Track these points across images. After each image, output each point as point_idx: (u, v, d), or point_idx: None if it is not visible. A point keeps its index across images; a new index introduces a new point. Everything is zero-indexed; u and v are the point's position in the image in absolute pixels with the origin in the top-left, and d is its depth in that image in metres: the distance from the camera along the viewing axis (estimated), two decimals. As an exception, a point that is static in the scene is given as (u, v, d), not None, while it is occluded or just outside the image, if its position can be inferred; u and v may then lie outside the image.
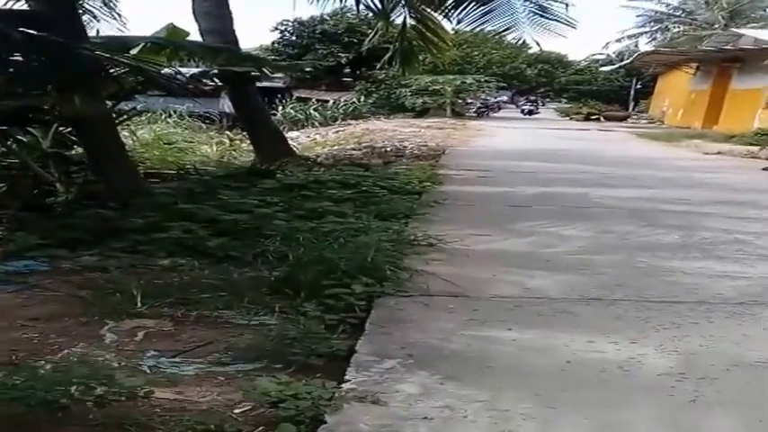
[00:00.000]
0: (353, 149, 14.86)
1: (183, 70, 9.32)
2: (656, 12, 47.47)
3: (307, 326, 3.49)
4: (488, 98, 39.11)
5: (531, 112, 40.03)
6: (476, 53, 44.70)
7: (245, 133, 13.30)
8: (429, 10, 12.19)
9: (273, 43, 38.67)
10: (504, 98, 47.84)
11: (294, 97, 29.85)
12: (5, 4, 8.21)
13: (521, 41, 12.22)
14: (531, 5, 11.30)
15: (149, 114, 14.09)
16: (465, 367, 3.09)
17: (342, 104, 29.80)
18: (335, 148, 15.81)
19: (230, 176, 8.87)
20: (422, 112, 31.13)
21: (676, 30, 45.80)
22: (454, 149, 15.72)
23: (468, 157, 13.82)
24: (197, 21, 10.88)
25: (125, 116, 8.28)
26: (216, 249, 5.07)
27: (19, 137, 7.04)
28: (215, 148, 13.83)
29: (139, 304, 3.88)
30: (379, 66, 23.81)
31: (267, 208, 6.50)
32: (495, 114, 37.66)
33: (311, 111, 27.61)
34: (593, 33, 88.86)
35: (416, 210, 7.07)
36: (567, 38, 28.60)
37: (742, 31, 29.82)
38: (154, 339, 3.48)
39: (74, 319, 3.74)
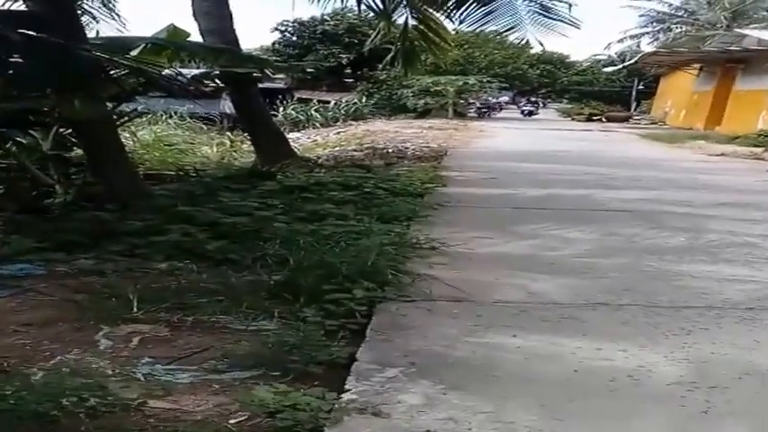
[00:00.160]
0: (355, 151, 14.79)
1: (184, 71, 9.27)
2: (659, 12, 47.36)
3: (306, 332, 3.40)
4: (489, 99, 38.98)
5: (530, 113, 39.90)
6: (477, 54, 44.61)
7: (245, 134, 13.24)
8: (431, 10, 12.13)
9: (274, 44, 38.68)
10: (506, 99, 47.76)
11: (295, 98, 29.79)
12: (3, 4, 8.15)
13: (523, 41, 12.18)
14: (534, 5, 11.25)
15: (150, 116, 14.00)
16: (469, 376, 3.00)
17: (343, 105, 29.76)
18: (337, 149, 15.74)
19: (230, 178, 8.80)
20: (423, 113, 31.06)
21: (678, 30, 45.69)
22: (456, 150, 15.65)
23: (471, 159, 13.75)
24: (197, 21, 10.83)
25: (126, 118, 8.21)
26: (215, 253, 5.00)
27: (18, 139, 6.98)
28: (215, 150, 13.76)
29: (135, 309, 3.81)
30: (380, 66, 23.76)
31: (267, 210, 6.43)
32: (496, 115, 37.54)
33: (312, 112, 27.58)
34: (594, 34, 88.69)
35: (419, 212, 7.00)
36: (570, 38, 28.65)
37: (746, 31, 29.70)
38: (149, 345, 3.40)
39: (68, 325, 3.67)
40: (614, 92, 48.15)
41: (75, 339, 3.46)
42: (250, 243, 5.23)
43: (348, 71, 37.55)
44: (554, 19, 11.22)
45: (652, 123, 34.77)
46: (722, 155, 16.49)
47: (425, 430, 2.52)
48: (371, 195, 7.68)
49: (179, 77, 8.02)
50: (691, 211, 7.69)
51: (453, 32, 14.76)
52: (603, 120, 36.51)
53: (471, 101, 35.78)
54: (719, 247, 5.84)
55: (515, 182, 10.00)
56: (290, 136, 16.30)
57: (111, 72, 6.94)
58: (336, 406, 2.66)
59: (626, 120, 37.14)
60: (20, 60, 6.24)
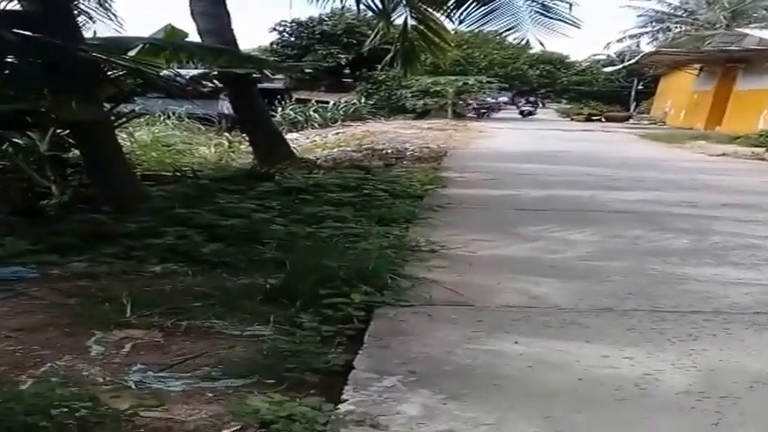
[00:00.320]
0: (354, 151, 14.71)
1: (182, 72, 9.20)
2: (658, 12, 47.32)
3: (302, 338, 3.33)
4: (487, 98, 38.75)
5: (529, 114, 39.70)
6: (477, 54, 44.53)
7: (243, 135, 13.16)
8: (431, 10, 12.05)
9: (272, 44, 38.57)
10: (505, 99, 47.58)
11: (294, 98, 29.65)
12: (-2, 4, 8.05)
13: (524, 41, 12.10)
14: (535, 5, 11.17)
15: (148, 116, 13.94)
16: (470, 385, 2.91)
17: (342, 106, 29.64)
18: (335, 150, 15.65)
19: (228, 179, 8.73)
20: (423, 114, 30.96)
21: (678, 30, 45.62)
22: (456, 151, 15.57)
23: (471, 159, 13.67)
24: (195, 21, 10.76)
25: (123, 119, 8.14)
26: (211, 256, 4.93)
27: (15, 140, 6.91)
28: (213, 150, 13.69)
29: (129, 313, 3.75)
30: (379, 67, 23.68)
31: (265, 212, 6.36)
32: (495, 115, 37.41)
33: (311, 112, 27.45)
34: (593, 33, 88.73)
35: (418, 214, 6.92)
36: (570, 37, 28.52)
37: (747, 31, 29.62)
38: (142, 352, 3.33)
39: (60, 330, 3.60)
40: (613, 92, 48.06)
41: (67, 345, 3.39)
42: (247, 246, 5.16)
43: (347, 71, 37.44)
44: (555, 19, 11.15)
45: (652, 123, 34.70)
46: (723, 155, 16.40)
47: (425, 444, 2.44)
48: (370, 197, 7.59)
49: (177, 78, 7.94)
50: (693, 213, 7.60)
51: (453, 32, 14.66)
52: (603, 120, 36.41)
53: (470, 101, 35.64)
54: (724, 249, 5.74)
55: (516, 183, 9.92)
56: (289, 136, 16.20)
57: (109, 72, 6.89)
58: (333, 417, 2.58)
59: (625, 120, 37.08)
60: (15, 61, 6.19)
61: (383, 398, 2.75)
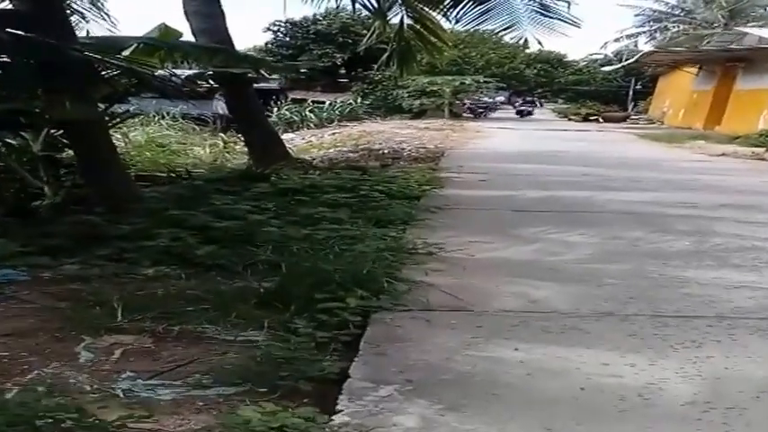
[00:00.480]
0: (350, 152, 14.63)
1: (177, 71, 9.13)
2: (655, 11, 47.27)
3: (296, 344, 3.25)
4: (482, 98, 38.58)
5: (528, 113, 39.56)
6: (474, 54, 44.44)
7: (239, 135, 13.08)
8: (427, 9, 11.97)
9: (267, 44, 38.45)
10: (502, 98, 47.48)
11: (289, 99, 29.56)
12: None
13: (522, 41, 12.01)
14: (534, 4, 11.09)
15: (142, 116, 13.88)
16: (469, 394, 2.82)
17: (338, 106, 29.54)
18: (332, 150, 15.58)
19: (223, 180, 8.65)
20: (419, 114, 30.87)
21: (675, 29, 45.57)
22: (453, 151, 15.49)
23: (468, 160, 13.58)
24: (189, 21, 10.66)
25: (118, 119, 8.06)
26: (204, 258, 4.86)
27: (8, 140, 6.83)
28: (208, 151, 13.63)
29: (120, 318, 3.68)
30: (375, 67, 23.56)
31: (260, 214, 6.28)
32: (492, 115, 37.30)
33: (307, 112, 27.37)
34: (591, 33, 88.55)
35: (415, 215, 6.85)
36: (569, 36, 28.45)
37: (747, 29, 29.55)
38: (131, 358, 3.26)
39: (49, 335, 3.53)
40: (611, 91, 47.97)
41: (56, 351, 3.32)
42: (241, 248, 5.08)
43: (343, 71, 37.34)
44: (553, 18, 11.07)
45: (650, 123, 34.61)
46: (723, 155, 16.33)
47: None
48: (367, 198, 7.51)
49: (172, 78, 7.87)
50: (693, 213, 7.53)
51: (449, 32, 14.56)
52: (600, 120, 36.29)
53: (466, 101, 35.53)
54: (726, 251, 5.66)
55: (514, 183, 9.84)
56: (285, 137, 16.15)
57: (103, 72, 6.81)
58: (327, 430, 2.50)
59: (623, 120, 36.97)
60: (8, 60, 6.11)
61: (379, 408, 2.66)
